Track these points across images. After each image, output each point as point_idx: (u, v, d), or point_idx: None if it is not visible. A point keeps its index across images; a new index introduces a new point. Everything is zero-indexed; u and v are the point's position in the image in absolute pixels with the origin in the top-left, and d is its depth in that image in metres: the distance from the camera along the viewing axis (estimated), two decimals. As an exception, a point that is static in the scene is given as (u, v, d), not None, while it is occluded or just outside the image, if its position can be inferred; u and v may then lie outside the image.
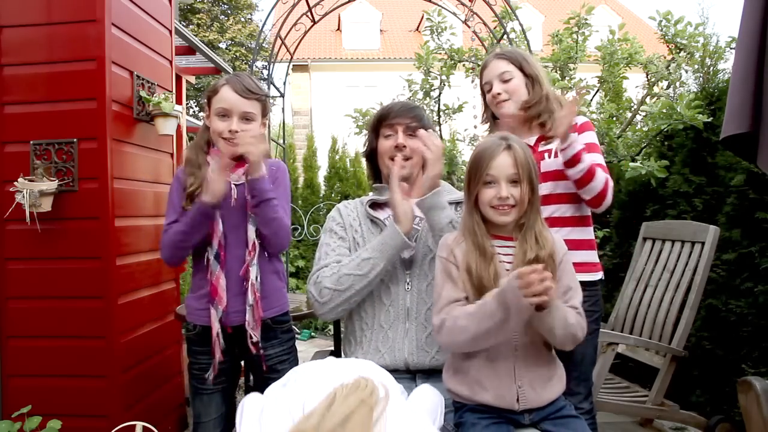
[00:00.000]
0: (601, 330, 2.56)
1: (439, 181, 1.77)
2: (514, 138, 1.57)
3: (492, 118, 2.14)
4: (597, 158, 1.98)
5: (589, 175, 1.88)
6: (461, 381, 1.54)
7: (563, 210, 2.00)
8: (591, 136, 2.04)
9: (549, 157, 1.99)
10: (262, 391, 1.62)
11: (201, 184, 1.83)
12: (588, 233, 2.05)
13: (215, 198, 1.76)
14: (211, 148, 1.91)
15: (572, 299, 1.51)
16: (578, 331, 1.47)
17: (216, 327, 1.83)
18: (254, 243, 1.85)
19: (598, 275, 2.03)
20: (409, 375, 1.73)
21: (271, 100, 4.61)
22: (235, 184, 1.88)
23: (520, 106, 2.01)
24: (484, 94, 2.13)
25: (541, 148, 2.02)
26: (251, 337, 1.83)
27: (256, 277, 1.85)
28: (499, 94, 2.01)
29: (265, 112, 1.93)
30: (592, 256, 2.03)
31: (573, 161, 1.87)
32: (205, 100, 1.92)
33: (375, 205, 1.95)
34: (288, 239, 1.89)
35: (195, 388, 1.92)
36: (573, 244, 1.90)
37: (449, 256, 1.56)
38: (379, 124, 1.95)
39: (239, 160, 1.89)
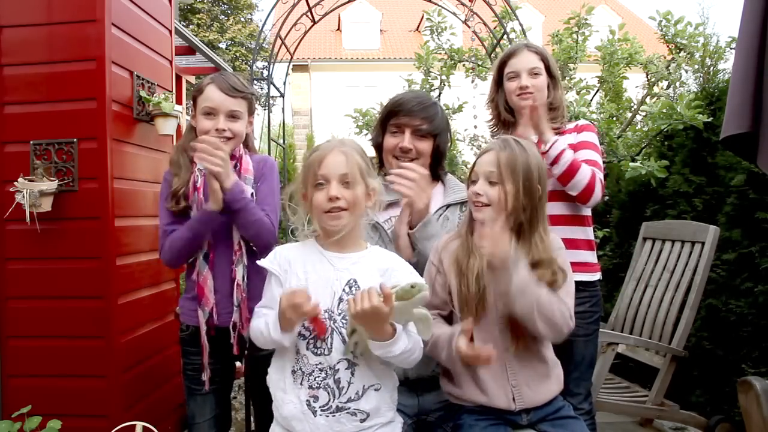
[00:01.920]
0: (601, 330, 2.57)
1: (428, 210, 1.74)
2: (515, 142, 1.56)
3: (506, 108, 2.10)
4: (588, 155, 1.99)
5: (570, 170, 1.90)
6: (457, 383, 1.55)
7: (560, 208, 2.00)
8: (589, 136, 2.05)
9: None
10: (261, 392, 1.62)
11: (185, 185, 1.82)
12: (586, 233, 2.04)
13: (220, 205, 1.74)
14: None
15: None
16: (556, 313, 1.44)
17: (203, 329, 1.82)
18: (240, 243, 1.84)
19: (596, 275, 2.03)
20: (408, 386, 1.70)
21: (272, 100, 4.60)
22: None
23: (547, 105, 2.01)
24: (500, 79, 2.10)
25: (543, 149, 2.01)
26: (233, 338, 1.82)
27: (243, 277, 1.83)
28: (527, 87, 2.00)
29: (251, 111, 1.92)
30: (590, 256, 2.03)
31: (555, 160, 1.90)
32: (191, 100, 1.91)
33: None
34: (273, 237, 1.85)
35: (189, 389, 1.91)
36: (570, 243, 1.90)
37: (434, 258, 1.62)
38: (388, 118, 1.87)
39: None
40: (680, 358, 2.68)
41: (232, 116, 1.83)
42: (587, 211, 2.05)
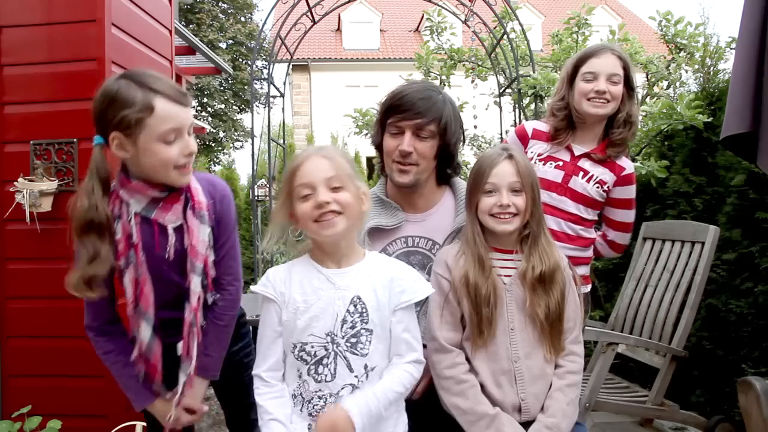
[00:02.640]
0: (601, 330, 2.57)
1: None
2: (515, 149, 1.56)
3: (566, 107, 1.98)
4: (629, 216, 2.05)
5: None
6: (462, 393, 1.52)
7: (575, 229, 1.99)
8: (633, 191, 2.02)
9: (583, 177, 1.95)
10: (234, 395, 1.60)
11: (108, 264, 1.37)
12: (590, 252, 2.08)
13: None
14: (126, 182, 1.41)
15: (571, 344, 1.54)
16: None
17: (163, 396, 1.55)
18: (199, 296, 1.47)
19: (586, 288, 2.06)
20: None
21: (271, 100, 4.61)
22: (173, 228, 1.44)
23: (618, 117, 1.93)
24: (573, 75, 1.96)
25: (580, 164, 1.96)
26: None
27: (198, 338, 1.49)
28: (605, 92, 1.88)
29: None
30: (585, 270, 2.06)
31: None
32: (117, 123, 1.34)
33: (376, 231, 1.65)
34: (237, 311, 1.61)
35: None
36: (575, 261, 1.90)
37: (444, 271, 1.54)
38: (387, 115, 1.64)
39: (171, 191, 1.45)
40: (680, 358, 2.68)
41: (191, 132, 1.43)
42: (594, 235, 2.09)
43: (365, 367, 1.32)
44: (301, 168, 1.32)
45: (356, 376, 1.31)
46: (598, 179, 1.95)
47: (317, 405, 1.32)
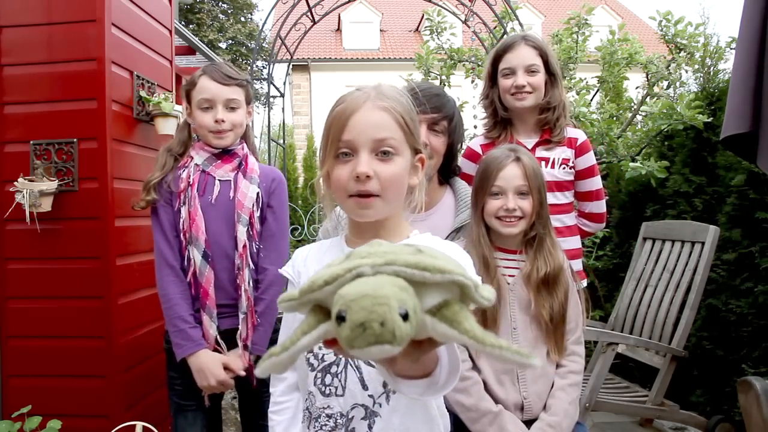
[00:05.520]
0: (601, 330, 2.56)
1: None
2: (523, 150, 1.56)
3: (502, 105, 1.98)
4: (597, 183, 2.04)
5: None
6: (465, 390, 1.53)
7: (560, 218, 1.97)
8: (592, 158, 2.02)
9: (546, 165, 1.94)
10: (254, 408, 1.59)
11: (165, 176, 1.78)
12: (576, 242, 2.05)
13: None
14: (196, 143, 1.85)
15: (572, 354, 1.54)
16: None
17: (212, 334, 1.71)
18: (245, 244, 1.72)
19: (583, 283, 2.02)
20: None
21: (271, 100, 4.61)
22: (220, 180, 1.78)
23: (542, 105, 1.94)
24: (494, 74, 1.98)
25: (538, 154, 1.96)
26: (240, 348, 1.72)
27: (249, 282, 1.71)
28: (524, 86, 1.90)
29: (249, 99, 1.83)
30: (577, 264, 2.02)
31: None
32: (184, 96, 1.83)
33: None
34: (279, 284, 1.76)
35: (178, 405, 1.79)
36: (567, 255, 1.90)
37: None
38: None
39: (225, 154, 1.80)
40: (680, 358, 2.68)
41: (231, 106, 1.76)
42: (575, 221, 2.08)
43: (384, 385, 1.01)
44: (348, 119, 0.99)
45: (371, 396, 1.01)
46: (560, 160, 1.96)
47: (326, 426, 1.03)
